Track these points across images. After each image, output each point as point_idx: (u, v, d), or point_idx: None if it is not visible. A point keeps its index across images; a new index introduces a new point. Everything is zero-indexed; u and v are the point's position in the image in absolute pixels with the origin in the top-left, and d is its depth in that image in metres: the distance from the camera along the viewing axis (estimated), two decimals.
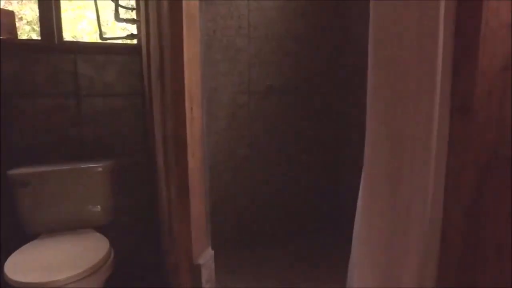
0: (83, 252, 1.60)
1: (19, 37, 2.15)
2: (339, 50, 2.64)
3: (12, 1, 2.35)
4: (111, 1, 2.03)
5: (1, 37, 1.86)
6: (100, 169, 1.88)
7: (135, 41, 2.18)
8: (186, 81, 1.41)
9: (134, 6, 2.18)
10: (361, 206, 1.30)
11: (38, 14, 1.96)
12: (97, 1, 2.03)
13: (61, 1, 2.01)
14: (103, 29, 2.08)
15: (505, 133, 1.06)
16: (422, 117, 1.10)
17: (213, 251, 1.65)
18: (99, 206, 1.89)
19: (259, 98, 2.49)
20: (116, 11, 2.04)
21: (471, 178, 1.07)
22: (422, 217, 1.13)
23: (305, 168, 2.69)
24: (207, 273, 1.60)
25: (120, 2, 2.10)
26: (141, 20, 2.02)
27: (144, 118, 2.10)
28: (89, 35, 2.58)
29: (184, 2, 1.41)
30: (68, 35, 2.34)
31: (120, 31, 2.49)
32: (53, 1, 1.94)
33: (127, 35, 2.17)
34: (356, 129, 2.60)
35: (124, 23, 2.24)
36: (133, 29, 2.20)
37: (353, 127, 2.62)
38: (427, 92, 1.08)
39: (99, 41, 2.10)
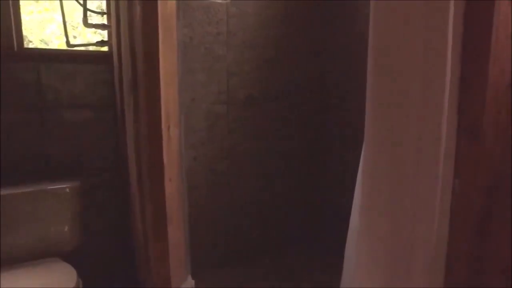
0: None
1: None
2: (323, 56, 2.55)
3: None
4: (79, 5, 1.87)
5: None
6: (67, 190, 1.71)
7: (106, 48, 2.02)
8: (162, 98, 1.27)
9: (105, 10, 2.02)
10: (360, 219, 1.20)
11: None
12: (64, 4, 1.86)
13: (23, 3, 1.83)
14: (73, 33, 1.90)
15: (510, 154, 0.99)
16: (428, 130, 1.02)
17: (193, 281, 1.52)
18: (66, 231, 1.72)
19: (239, 108, 2.36)
20: (85, 16, 1.87)
21: (478, 200, 1.01)
22: (428, 232, 1.06)
23: (288, 181, 2.59)
24: None
25: (91, 4, 1.94)
26: (112, 26, 1.86)
27: (116, 134, 1.93)
28: (59, 39, 2.39)
29: (159, 3, 1.27)
30: (35, 39, 2.15)
31: (91, 35, 2.31)
32: (10, 2, 1.74)
33: (97, 42, 2.00)
34: (341, 138, 2.52)
35: (94, 29, 2.07)
36: (105, 34, 2.04)
37: (339, 137, 2.54)
38: (434, 104, 0.99)
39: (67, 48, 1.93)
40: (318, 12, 2.51)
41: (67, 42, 1.90)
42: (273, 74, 2.44)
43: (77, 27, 2.26)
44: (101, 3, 2.09)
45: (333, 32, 2.49)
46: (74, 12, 2.08)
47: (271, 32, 2.38)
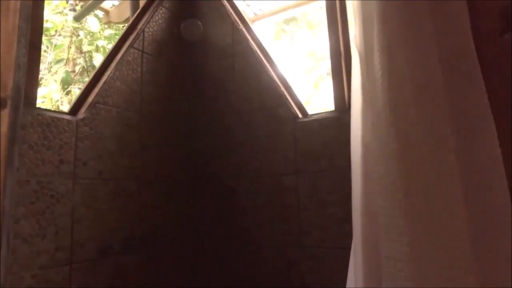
0: None
1: None
2: (200, 188, 2.08)
3: None
4: None
5: None
6: None
7: None
8: None
9: None
10: None
11: None
12: None
13: None
14: None
15: None
16: None
17: None
18: None
19: (89, 268, 1.59)
20: None
21: None
22: None
23: None
24: None
25: None
26: None
27: None
28: None
29: None
30: None
31: None
32: None
33: None
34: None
35: None
36: None
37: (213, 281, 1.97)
38: None
39: None
40: (195, 136, 2.11)
41: None
42: (137, 214, 1.80)
43: None
44: None
45: (208, 150, 2.09)
46: None
47: (135, 160, 1.82)
